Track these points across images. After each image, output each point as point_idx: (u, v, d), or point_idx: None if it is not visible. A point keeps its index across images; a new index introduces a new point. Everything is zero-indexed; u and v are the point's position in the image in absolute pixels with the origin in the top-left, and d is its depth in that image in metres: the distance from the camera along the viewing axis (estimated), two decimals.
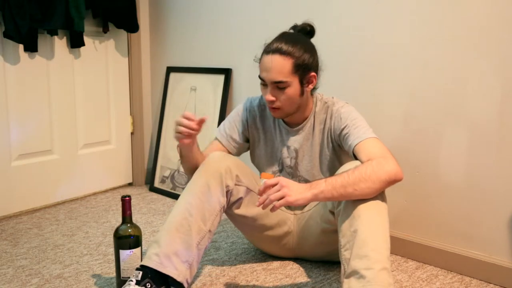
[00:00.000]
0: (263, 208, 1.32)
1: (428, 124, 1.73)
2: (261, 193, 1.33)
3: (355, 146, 1.44)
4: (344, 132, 1.51)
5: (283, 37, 1.52)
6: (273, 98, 1.49)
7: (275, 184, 1.32)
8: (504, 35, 1.54)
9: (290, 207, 1.71)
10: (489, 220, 1.63)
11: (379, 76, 1.85)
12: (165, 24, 2.69)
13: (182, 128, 1.38)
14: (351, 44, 1.92)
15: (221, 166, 1.49)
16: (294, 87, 1.49)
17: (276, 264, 1.75)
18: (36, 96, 2.31)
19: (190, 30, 2.57)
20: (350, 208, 1.35)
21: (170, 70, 2.68)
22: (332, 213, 1.48)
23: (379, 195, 1.36)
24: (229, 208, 1.58)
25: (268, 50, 1.50)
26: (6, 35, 2.11)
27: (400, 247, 1.82)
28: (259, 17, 2.24)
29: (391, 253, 1.32)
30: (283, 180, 1.32)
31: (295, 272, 1.69)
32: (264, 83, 1.52)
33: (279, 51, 1.47)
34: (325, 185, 1.31)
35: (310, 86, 1.55)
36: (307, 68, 1.50)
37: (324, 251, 1.69)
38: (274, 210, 1.33)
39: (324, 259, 1.74)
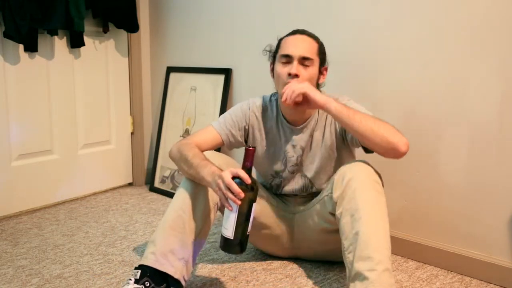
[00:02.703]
0: (285, 101, 1.42)
1: (428, 124, 1.73)
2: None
3: None
4: None
5: (302, 29, 1.60)
6: (297, 72, 1.49)
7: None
8: (504, 35, 1.54)
9: (289, 206, 1.71)
10: (489, 220, 1.62)
11: (379, 76, 1.85)
12: (165, 24, 2.69)
13: (230, 195, 1.28)
14: (351, 44, 1.91)
15: (215, 164, 1.49)
16: (315, 69, 1.53)
17: (276, 264, 1.75)
18: (36, 96, 2.31)
19: (190, 30, 2.56)
20: (351, 210, 1.36)
21: (170, 70, 2.68)
22: (332, 214, 1.48)
23: (379, 194, 1.37)
24: (223, 205, 1.58)
25: (294, 32, 1.57)
26: (6, 35, 2.11)
27: (400, 247, 1.82)
28: (259, 17, 2.23)
29: (391, 253, 1.32)
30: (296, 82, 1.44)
31: (295, 272, 1.69)
32: (286, 61, 1.52)
33: (306, 33, 1.56)
34: (339, 103, 1.39)
35: (322, 79, 1.59)
36: (324, 56, 1.58)
37: (323, 250, 1.69)
38: (290, 102, 1.41)
39: (324, 259, 1.74)
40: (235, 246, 1.31)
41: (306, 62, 1.50)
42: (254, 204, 1.32)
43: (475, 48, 1.61)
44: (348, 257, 1.33)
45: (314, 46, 1.54)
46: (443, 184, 1.72)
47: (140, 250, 1.87)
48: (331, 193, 1.46)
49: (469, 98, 1.63)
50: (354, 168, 1.42)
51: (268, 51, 1.64)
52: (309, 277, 1.65)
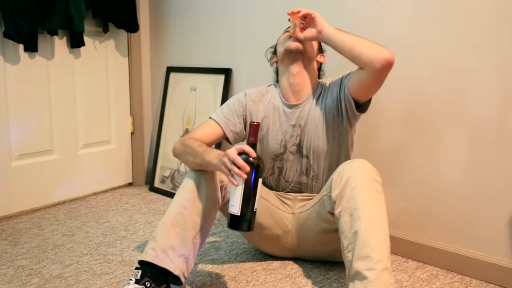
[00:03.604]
0: (293, 13, 1.52)
1: (428, 124, 1.73)
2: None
3: (351, 73, 1.55)
4: (341, 78, 1.61)
5: None
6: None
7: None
8: (504, 35, 1.54)
9: (288, 206, 1.71)
10: (489, 220, 1.62)
11: None
12: (165, 24, 2.69)
13: (235, 169, 1.29)
14: None
15: None
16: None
17: (276, 264, 1.75)
18: (36, 96, 2.31)
19: (190, 30, 2.57)
20: (349, 209, 1.36)
21: (170, 70, 2.68)
22: (331, 214, 1.48)
23: (378, 193, 1.37)
24: (225, 205, 1.59)
25: None
26: (6, 35, 2.11)
27: (400, 247, 1.82)
28: (259, 17, 2.24)
29: (391, 253, 1.32)
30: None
31: (295, 272, 1.69)
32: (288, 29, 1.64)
33: None
34: (340, 31, 1.50)
35: (320, 59, 1.69)
36: (321, 46, 1.72)
37: (324, 250, 1.69)
38: (299, 14, 1.52)
39: (324, 259, 1.74)
40: (243, 223, 1.32)
41: None
42: (260, 180, 1.33)
43: (475, 47, 1.61)
44: (347, 256, 1.33)
45: None
46: (443, 184, 1.72)
47: (140, 250, 1.87)
48: (330, 192, 1.46)
49: (469, 97, 1.63)
50: (353, 167, 1.42)
51: (272, 47, 1.69)
52: (309, 277, 1.65)
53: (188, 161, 1.52)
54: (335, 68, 1.92)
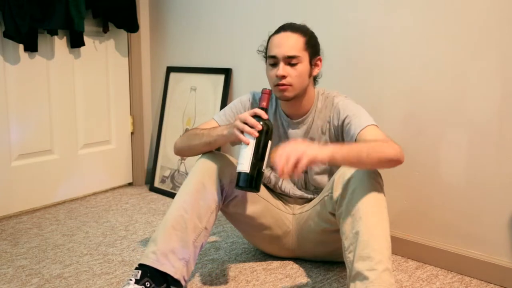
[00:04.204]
0: (282, 174, 1.24)
1: (428, 124, 1.73)
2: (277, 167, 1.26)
3: (357, 135, 1.46)
4: (346, 122, 1.53)
5: (290, 23, 1.58)
6: (284, 73, 1.49)
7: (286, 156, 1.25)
8: (504, 35, 1.54)
9: (289, 207, 1.71)
10: (489, 220, 1.62)
11: (379, 76, 1.85)
12: (165, 24, 2.69)
13: (247, 128, 1.35)
14: (350, 45, 1.91)
15: (216, 164, 1.51)
16: (304, 65, 1.52)
17: (276, 264, 1.75)
18: (36, 96, 2.31)
19: (190, 30, 2.57)
20: (351, 210, 1.36)
21: (170, 70, 2.68)
22: (333, 214, 1.49)
23: (379, 194, 1.38)
24: (226, 206, 1.59)
25: (279, 29, 1.55)
26: (6, 35, 2.11)
27: (400, 247, 1.82)
28: (259, 17, 2.23)
29: (391, 253, 1.33)
30: (289, 146, 1.27)
31: (295, 272, 1.69)
32: (273, 63, 1.53)
33: (291, 28, 1.53)
34: (340, 146, 1.33)
35: (316, 70, 1.59)
36: (315, 48, 1.57)
37: (324, 251, 1.69)
38: (298, 175, 1.27)
39: (324, 259, 1.74)
40: (251, 181, 1.34)
41: (293, 61, 1.49)
42: (269, 143, 1.37)
43: (475, 48, 1.61)
44: (348, 257, 1.33)
45: (300, 41, 1.51)
46: (443, 184, 1.72)
47: (140, 250, 1.87)
48: (331, 193, 1.46)
49: (469, 98, 1.63)
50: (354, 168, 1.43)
51: (261, 51, 1.65)
52: (309, 277, 1.65)
53: (195, 145, 1.54)
54: (335, 67, 1.92)
